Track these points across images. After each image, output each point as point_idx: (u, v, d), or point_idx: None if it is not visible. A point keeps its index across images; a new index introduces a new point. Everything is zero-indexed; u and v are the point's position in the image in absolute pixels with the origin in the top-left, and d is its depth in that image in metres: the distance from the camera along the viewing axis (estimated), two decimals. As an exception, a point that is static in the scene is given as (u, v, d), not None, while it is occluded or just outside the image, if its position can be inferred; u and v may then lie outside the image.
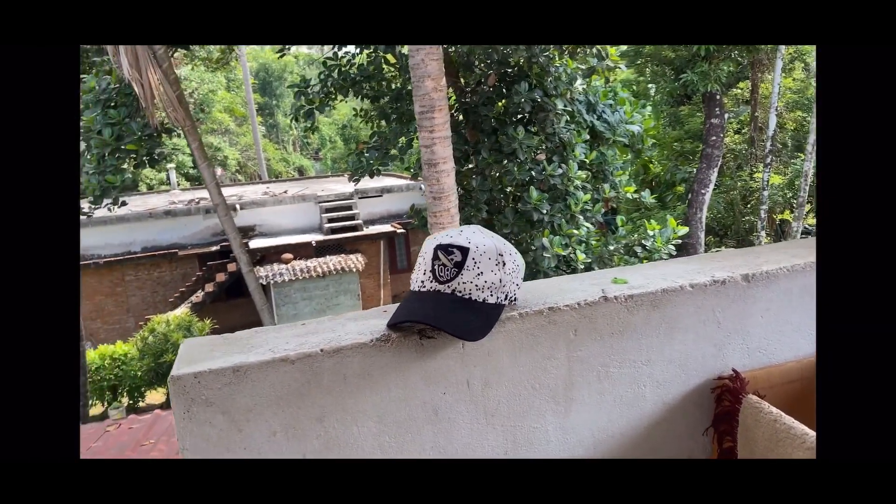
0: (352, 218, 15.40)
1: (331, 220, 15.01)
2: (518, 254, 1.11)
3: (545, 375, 1.10)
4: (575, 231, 6.34)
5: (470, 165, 7.10)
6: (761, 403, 1.08)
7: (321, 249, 14.52)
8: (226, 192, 16.72)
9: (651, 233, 7.06)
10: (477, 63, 6.95)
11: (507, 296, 1.06)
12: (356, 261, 14.36)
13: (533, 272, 7.16)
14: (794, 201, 11.21)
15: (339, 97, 7.15)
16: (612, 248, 7.11)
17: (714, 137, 10.29)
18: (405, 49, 7.00)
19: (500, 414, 1.08)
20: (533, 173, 6.30)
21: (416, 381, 1.02)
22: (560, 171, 6.24)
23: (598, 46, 5.58)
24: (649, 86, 16.95)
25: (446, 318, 0.99)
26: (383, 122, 7.32)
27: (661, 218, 8.27)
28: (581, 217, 6.41)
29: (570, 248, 6.28)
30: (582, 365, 1.12)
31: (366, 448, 1.00)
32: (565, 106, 6.38)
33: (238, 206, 14.62)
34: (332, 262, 14.07)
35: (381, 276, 16.00)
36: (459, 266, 1.02)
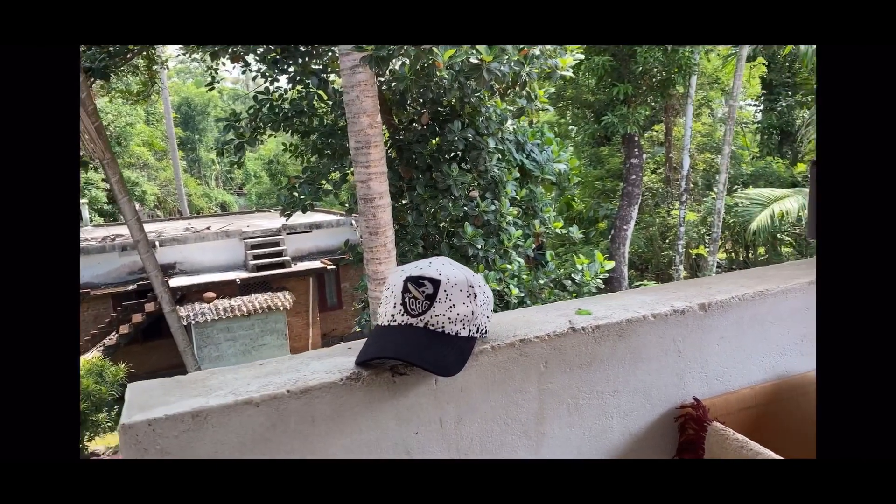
0: (279, 254, 15.00)
1: (256, 257, 14.55)
2: (487, 286, 1.10)
3: (517, 410, 1.07)
4: (508, 266, 6.43)
5: (404, 201, 7.11)
6: (726, 430, 1.10)
7: (246, 287, 14.01)
8: (145, 228, 15.97)
9: (580, 267, 7.26)
10: (410, 102, 7.03)
11: (478, 328, 1.04)
12: (283, 299, 13.95)
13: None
14: (708, 237, 11.91)
15: (269, 132, 7.03)
16: (542, 282, 7.26)
17: (634, 176, 10.84)
18: (338, 85, 7.00)
19: (473, 452, 1.04)
20: (467, 209, 6.37)
21: (387, 421, 0.97)
22: (493, 207, 6.35)
23: (528, 89, 5.79)
24: (570, 127, 17.71)
25: (421, 353, 0.95)
26: (314, 157, 7.24)
27: (587, 253, 8.55)
28: (514, 252, 6.52)
29: (504, 283, 6.35)
30: (553, 398, 1.10)
31: (335, 495, 0.93)
32: (497, 145, 6.54)
33: (157, 243, 13.94)
34: (258, 300, 13.61)
35: (309, 314, 15.59)
36: (431, 299, 1.00)
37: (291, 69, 6.39)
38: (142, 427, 0.82)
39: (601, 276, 7.46)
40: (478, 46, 4.70)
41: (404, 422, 0.98)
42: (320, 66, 6.71)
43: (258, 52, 7.01)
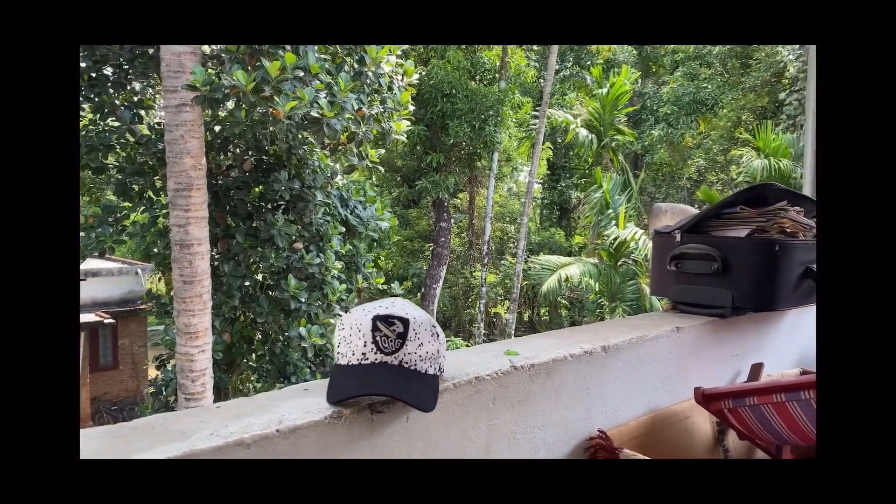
0: (43, 305, 12.86)
1: (14, 307, 12.30)
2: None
3: (470, 445, 1.13)
4: (331, 321, 6.35)
5: (215, 250, 6.70)
6: (636, 454, 1.26)
7: (-3, 343, 11.72)
8: None
9: (398, 323, 7.42)
10: (231, 147, 6.75)
11: (440, 366, 1.08)
12: (46, 357, 11.90)
13: (281, 364, 6.87)
14: (502, 297, 13.03)
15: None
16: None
17: (443, 239, 11.53)
18: (156, 121, 6.48)
19: (433, 489, 1.06)
20: (290, 261, 6.21)
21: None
22: (318, 260, 6.28)
23: (362, 148, 5.94)
24: (374, 188, 18.34)
25: (404, 389, 0.97)
26: (116, 197, 6.52)
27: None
28: (337, 306, 6.47)
29: (327, 338, 6.24)
30: (497, 433, 1.18)
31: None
32: (324, 198, 6.54)
33: None
34: (13, 358, 11.44)
35: (78, 374, 13.47)
36: (402, 337, 1.02)
37: (97, 98, 5.77)
38: (128, 476, 0.72)
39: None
40: (319, 101, 4.75)
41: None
42: (132, 101, 6.17)
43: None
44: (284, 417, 0.89)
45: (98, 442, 0.79)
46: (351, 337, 1.04)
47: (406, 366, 1.01)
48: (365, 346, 1.02)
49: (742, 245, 1.78)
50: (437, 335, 1.07)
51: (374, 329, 1.02)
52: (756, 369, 1.89)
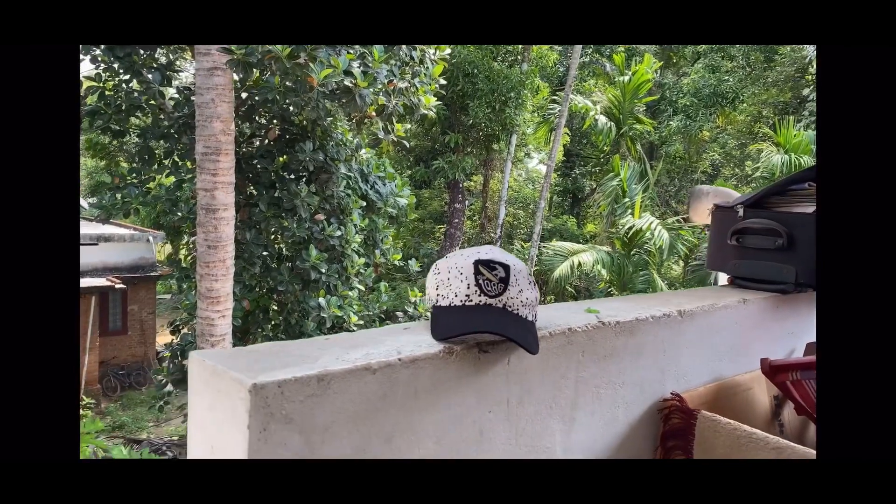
0: (56, 267, 12.93)
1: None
2: (531, 277, 1.15)
3: (559, 395, 1.13)
4: (349, 293, 6.37)
5: (236, 217, 6.70)
6: (717, 417, 1.26)
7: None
8: None
9: (413, 299, 7.44)
10: (257, 116, 6.73)
11: (535, 314, 1.08)
12: (58, 318, 11.99)
13: (296, 335, 6.91)
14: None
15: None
16: (372, 311, 7.31)
17: (457, 220, 11.52)
18: (182, 85, 6.46)
19: (526, 434, 1.07)
20: (312, 232, 6.22)
21: (470, 399, 0.96)
22: (339, 232, 6.28)
23: (387, 122, 5.91)
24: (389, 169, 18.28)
25: (511, 329, 0.97)
26: (136, 162, 6.51)
27: (419, 286, 8.81)
28: (355, 280, 6.48)
29: (344, 310, 6.27)
30: (584, 386, 1.18)
31: (423, 474, 0.89)
32: (347, 171, 6.53)
33: None
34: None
35: (87, 338, 13.60)
36: (504, 282, 1.02)
37: (125, 59, 5.74)
38: (272, 388, 0.72)
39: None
40: (353, 70, 4.72)
41: (482, 399, 0.98)
42: (161, 63, 6.14)
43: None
44: (402, 348, 0.90)
45: (235, 360, 0.79)
46: (450, 280, 1.04)
47: (510, 309, 1.01)
48: (468, 288, 1.02)
49: (811, 221, 1.76)
50: (533, 284, 1.07)
51: (477, 272, 1.02)
52: (812, 348, 1.89)
